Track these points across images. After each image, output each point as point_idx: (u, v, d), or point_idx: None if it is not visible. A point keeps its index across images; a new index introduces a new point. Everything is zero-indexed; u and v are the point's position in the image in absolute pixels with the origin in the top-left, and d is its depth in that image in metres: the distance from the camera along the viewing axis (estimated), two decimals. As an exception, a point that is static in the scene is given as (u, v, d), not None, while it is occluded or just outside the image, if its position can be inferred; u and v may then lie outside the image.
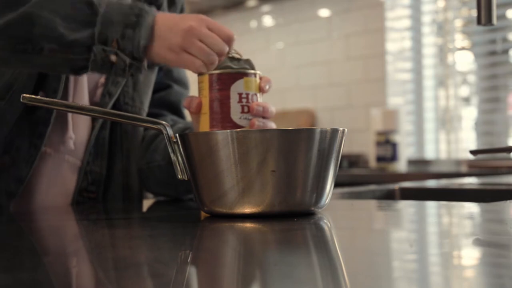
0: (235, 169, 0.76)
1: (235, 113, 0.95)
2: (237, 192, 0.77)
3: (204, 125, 0.97)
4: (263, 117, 0.97)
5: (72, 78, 1.08)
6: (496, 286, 0.44)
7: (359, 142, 3.30)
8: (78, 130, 1.10)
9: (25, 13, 0.93)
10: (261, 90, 0.97)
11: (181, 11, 1.26)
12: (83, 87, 1.09)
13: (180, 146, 0.83)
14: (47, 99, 0.86)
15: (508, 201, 0.99)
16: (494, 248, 0.58)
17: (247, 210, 0.77)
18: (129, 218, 0.97)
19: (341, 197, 1.25)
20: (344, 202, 1.14)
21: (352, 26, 3.44)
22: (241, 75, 0.95)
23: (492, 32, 3.19)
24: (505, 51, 3.20)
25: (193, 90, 1.11)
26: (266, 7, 3.86)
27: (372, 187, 1.40)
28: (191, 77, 1.04)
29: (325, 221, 0.78)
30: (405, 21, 3.40)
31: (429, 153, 3.39)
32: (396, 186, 1.40)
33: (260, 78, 0.98)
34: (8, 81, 1.04)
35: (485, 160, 2.85)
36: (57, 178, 1.09)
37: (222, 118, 0.95)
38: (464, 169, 2.82)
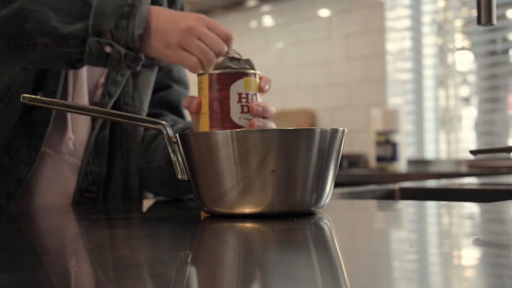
0: (235, 169, 0.76)
1: (235, 113, 0.95)
2: (237, 192, 0.77)
3: (204, 125, 0.97)
4: (263, 117, 0.97)
5: (71, 79, 1.08)
6: (496, 286, 0.44)
7: (359, 142, 3.30)
8: (78, 131, 1.10)
9: (18, 8, 0.93)
10: (261, 90, 0.97)
11: (181, 10, 1.26)
12: (82, 88, 1.09)
13: (180, 146, 0.83)
14: (47, 99, 0.86)
15: (508, 201, 0.99)
16: (494, 248, 0.58)
17: (247, 210, 0.77)
18: (129, 218, 0.97)
19: (341, 197, 1.25)
20: (344, 202, 1.14)
21: (352, 26, 3.44)
22: (241, 75, 0.95)
23: (492, 32, 3.19)
24: (505, 51, 3.20)
25: (193, 90, 1.11)
26: (266, 7, 3.86)
27: (372, 187, 1.40)
28: (191, 77, 1.04)
29: (325, 221, 0.78)
30: (405, 21, 3.40)
31: (429, 153, 3.39)
32: (396, 186, 1.40)
33: (260, 78, 0.98)
34: (6, 83, 1.03)
35: (485, 160, 2.85)
36: (57, 179, 1.09)
37: (222, 118, 0.95)
38: (464, 169, 2.82)
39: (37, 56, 0.94)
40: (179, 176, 0.84)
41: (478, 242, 0.62)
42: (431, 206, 0.98)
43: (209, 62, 0.93)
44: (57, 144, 1.08)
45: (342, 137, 0.81)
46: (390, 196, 1.37)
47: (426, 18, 3.41)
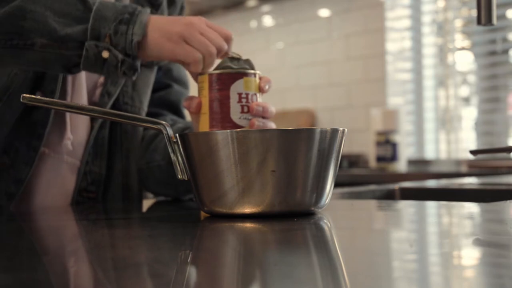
0: (235, 169, 0.76)
1: (235, 113, 0.95)
2: (237, 192, 0.77)
3: (204, 125, 0.96)
4: (263, 117, 0.97)
5: (70, 78, 1.08)
6: (496, 286, 0.44)
7: (359, 142, 3.30)
8: (77, 131, 1.10)
9: (16, 8, 0.93)
10: (261, 90, 0.97)
11: (181, 10, 1.26)
12: (81, 88, 1.09)
13: (180, 146, 0.83)
14: (47, 99, 0.86)
15: (508, 201, 0.99)
16: (494, 248, 0.58)
17: (247, 210, 0.77)
18: (128, 218, 0.97)
19: (341, 197, 1.25)
20: (344, 202, 1.14)
21: (352, 26, 3.44)
22: (241, 75, 0.95)
23: (492, 32, 3.19)
24: (505, 51, 3.20)
25: (193, 91, 1.11)
26: (266, 7, 3.86)
27: (372, 187, 1.40)
28: (191, 77, 1.04)
29: (325, 221, 0.78)
30: (405, 21, 3.40)
31: (429, 153, 3.39)
32: (396, 186, 1.40)
33: (260, 78, 0.98)
34: (5, 83, 1.03)
35: (485, 160, 2.85)
36: (57, 179, 1.09)
37: (222, 118, 0.95)
38: (464, 169, 2.82)
39: (34, 57, 0.94)
40: (179, 176, 0.84)
41: (478, 242, 0.62)
42: (431, 206, 0.98)
43: (211, 57, 0.93)
44: (56, 144, 1.08)
45: (342, 137, 0.81)
46: (390, 196, 1.37)
47: (426, 18, 3.41)
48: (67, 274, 0.53)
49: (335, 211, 0.92)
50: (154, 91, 1.23)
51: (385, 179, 2.48)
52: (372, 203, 1.11)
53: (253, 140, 0.76)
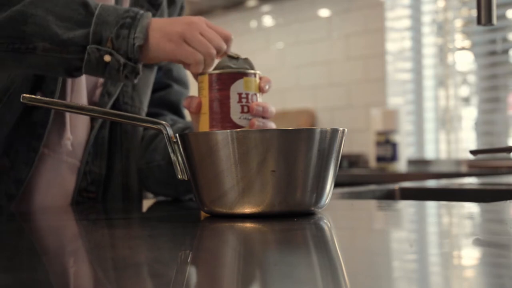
0: (235, 169, 0.76)
1: (235, 113, 0.95)
2: (237, 192, 0.77)
3: (204, 125, 0.96)
4: (263, 117, 0.97)
5: (70, 79, 1.08)
6: (496, 286, 0.44)
7: (359, 142, 3.30)
8: (76, 131, 1.10)
9: (18, 12, 0.93)
10: (261, 90, 0.97)
11: (181, 10, 1.26)
12: (81, 88, 1.09)
13: (180, 146, 0.83)
14: (47, 99, 0.86)
15: (508, 201, 0.99)
16: (494, 248, 0.58)
17: (247, 210, 0.77)
18: (128, 218, 0.97)
19: (341, 197, 1.25)
20: (344, 202, 1.14)
21: (352, 26, 3.44)
22: (241, 75, 0.95)
23: (492, 32, 3.19)
24: (505, 51, 3.20)
25: (193, 90, 1.11)
26: (266, 7, 3.86)
27: (372, 187, 1.40)
28: (191, 77, 1.04)
29: (325, 221, 0.78)
30: (405, 21, 3.40)
31: (429, 153, 3.39)
32: (396, 186, 1.40)
33: (260, 78, 0.98)
34: (5, 83, 1.03)
35: (485, 160, 2.85)
36: (56, 179, 1.09)
37: (222, 118, 0.95)
38: (464, 169, 2.82)
39: (36, 61, 0.94)
40: (179, 176, 0.84)
41: (478, 242, 0.62)
42: (431, 206, 0.98)
43: (211, 58, 0.94)
44: (55, 145, 1.08)
45: (342, 137, 0.81)
46: (390, 196, 1.37)
47: (426, 18, 3.41)
48: (67, 274, 0.53)
49: (335, 211, 0.92)
50: (154, 91, 1.23)
51: (385, 179, 2.48)
52: (372, 203, 1.11)
53: (253, 140, 0.76)
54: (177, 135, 0.83)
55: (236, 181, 0.76)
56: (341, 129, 0.80)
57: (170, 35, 0.93)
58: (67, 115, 1.08)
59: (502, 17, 3.15)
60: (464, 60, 3.40)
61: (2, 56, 0.94)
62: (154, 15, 1.15)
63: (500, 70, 3.22)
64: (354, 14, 3.44)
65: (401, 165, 2.87)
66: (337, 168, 0.82)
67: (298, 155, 0.77)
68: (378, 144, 2.90)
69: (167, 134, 0.83)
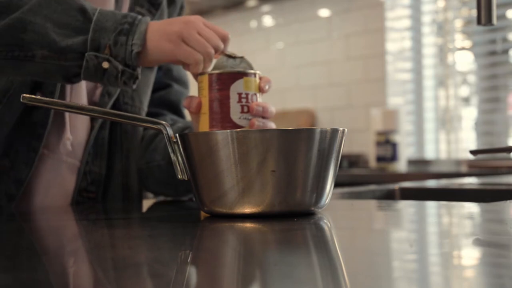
0: (235, 169, 0.76)
1: (235, 113, 0.95)
2: (237, 192, 0.77)
3: (204, 125, 0.96)
4: (263, 117, 0.97)
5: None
6: (496, 286, 0.44)
7: (359, 142, 3.30)
8: (76, 131, 1.10)
9: (16, 19, 0.93)
10: (261, 90, 0.97)
11: (181, 9, 1.26)
12: (80, 88, 1.09)
13: (180, 146, 0.83)
14: (47, 99, 0.86)
15: (508, 201, 0.99)
16: (494, 248, 0.58)
17: (247, 210, 0.77)
18: (128, 218, 0.97)
19: (341, 197, 1.25)
20: (344, 202, 1.14)
21: (352, 26, 3.44)
22: (241, 75, 0.95)
23: (492, 32, 3.19)
24: (505, 51, 3.20)
25: (193, 91, 1.11)
26: (266, 7, 3.86)
27: (372, 187, 1.40)
28: (191, 77, 1.04)
29: (325, 221, 0.78)
30: (405, 21, 3.40)
31: (429, 153, 3.39)
32: (396, 186, 1.40)
33: (260, 78, 0.98)
34: (5, 84, 1.03)
35: (485, 160, 2.85)
36: (56, 179, 1.09)
37: (222, 118, 0.95)
38: (464, 169, 2.82)
39: (35, 68, 0.94)
40: (179, 176, 0.84)
41: (478, 242, 0.62)
42: (431, 206, 0.98)
43: (209, 58, 0.94)
44: (55, 145, 1.08)
45: (342, 137, 0.81)
46: (390, 196, 1.37)
47: (426, 18, 3.41)
48: (67, 274, 0.53)
49: (335, 211, 0.92)
50: (154, 91, 1.23)
51: (385, 179, 2.48)
52: (372, 203, 1.11)
53: (253, 140, 0.75)
54: (177, 135, 0.83)
55: (236, 181, 0.76)
56: (341, 129, 0.80)
57: (169, 35, 0.93)
58: (67, 115, 1.08)
59: (502, 17, 3.15)
60: (464, 60, 3.40)
61: (1, 63, 0.95)
62: (154, 15, 1.15)
63: (500, 70, 3.21)
64: (354, 14, 3.44)
65: (401, 165, 2.87)
66: (337, 168, 0.82)
67: (298, 155, 0.77)
68: (378, 144, 2.90)
69: (167, 134, 0.83)
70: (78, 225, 0.90)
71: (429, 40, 3.41)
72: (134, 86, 0.97)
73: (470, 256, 0.56)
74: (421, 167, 3.18)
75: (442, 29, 3.35)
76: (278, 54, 3.79)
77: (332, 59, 3.52)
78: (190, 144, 0.80)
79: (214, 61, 0.98)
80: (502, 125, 3.20)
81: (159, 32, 0.94)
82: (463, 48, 3.38)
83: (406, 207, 1.01)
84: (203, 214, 0.86)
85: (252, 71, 0.96)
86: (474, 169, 2.68)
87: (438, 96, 3.40)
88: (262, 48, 3.86)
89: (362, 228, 0.78)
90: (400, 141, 2.89)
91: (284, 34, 3.77)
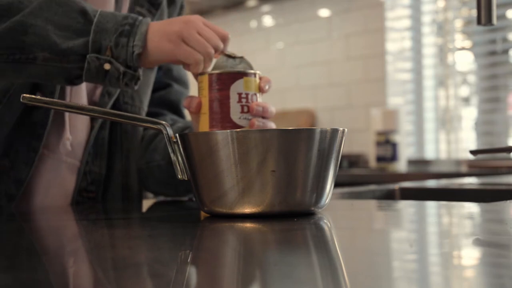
0: (235, 169, 0.76)
1: (235, 113, 0.95)
2: (237, 192, 0.77)
3: (204, 125, 0.96)
4: (263, 117, 0.97)
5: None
6: (496, 286, 0.44)
7: (359, 142, 3.30)
8: (76, 131, 1.10)
9: (17, 22, 0.93)
10: (260, 90, 0.97)
11: (181, 9, 1.26)
12: (80, 88, 1.09)
13: (180, 146, 0.83)
14: (47, 99, 0.86)
15: (508, 201, 0.99)
16: (494, 248, 0.58)
17: (247, 210, 0.77)
18: (128, 218, 0.97)
19: (341, 197, 1.25)
20: (344, 202, 1.14)
21: (352, 26, 3.44)
22: (241, 75, 0.95)
23: (492, 32, 3.19)
24: (505, 51, 3.20)
25: (193, 91, 1.11)
26: (266, 7, 3.86)
27: (372, 187, 1.40)
28: (191, 77, 1.04)
29: (325, 221, 0.78)
30: (405, 21, 3.40)
31: (429, 153, 3.39)
32: (396, 186, 1.40)
33: (260, 78, 0.98)
34: (5, 84, 1.03)
35: (485, 160, 2.85)
36: (56, 179, 1.09)
37: (222, 118, 0.95)
38: (464, 169, 2.82)
39: (36, 71, 0.94)
40: (179, 176, 0.84)
41: (478, 242, 0.62)
42: (431, 206, 0.98)
43: (209, 57, 0.94)
44: (54, 145, 1.08)
45: (342, 137, 0.81)
46: (390, 196, 1.37)
47: (426, 18, 3.41)
48: (67, 274, 0.53)
49: (335, 211, 0.92)
50: (154, 90, 1.23)
51: (385, 179, 2.48)
52: (372, 203, 1.11)
53: (253, 140, 0.75)
54: (177, 135, 0.83)
55: (236, 181, 0.76)
56: (341, 129, 0.80)
57: (169, 35, 0.93)
58: (67, 115, 1.08)
59: (502, 17, 3.15)
60: (464, 60, 3.40)
61: (2, 67, 0.95)
62: (154, 15, 1.15)
63: (500, 70, 3.22)
64: (354, 14, 3.44)
65: (401, 165, 2.87)
66: (337, 168, 0.82)
67: (298, 155, 0.77)
68: (378, 144, 2.90)
69: (167, 134, 0.83)
70: (78, 225, 0.90)
71: (429, 40, 3.42)
72: (136, 87, 0.97)
73: (470, 256, 0.56)
74: (421, 167, 3.18)
75: (442, 29, 3.35)
76: (278, 54, 3.79)
77: (332, 59, 3.52)
78: (190, 144, 0.80)
79: (214, 61, 0.98)
80: (502, 125, 3.20)
81: (159, 33, 0.94)
82: (463, 48, 3.38)
83: (406, 207, 1.01)
84: (203, 214, 0.86)
85: (252, 71, 0.96)
86: (474, 169, 2.68)
87: (438, 96, 3.40)
88: (262, 48, 3.86)
89: (362, 228, 0.78)
90: (400, 141, 2.89)
91: (284, 34, 3.77)
